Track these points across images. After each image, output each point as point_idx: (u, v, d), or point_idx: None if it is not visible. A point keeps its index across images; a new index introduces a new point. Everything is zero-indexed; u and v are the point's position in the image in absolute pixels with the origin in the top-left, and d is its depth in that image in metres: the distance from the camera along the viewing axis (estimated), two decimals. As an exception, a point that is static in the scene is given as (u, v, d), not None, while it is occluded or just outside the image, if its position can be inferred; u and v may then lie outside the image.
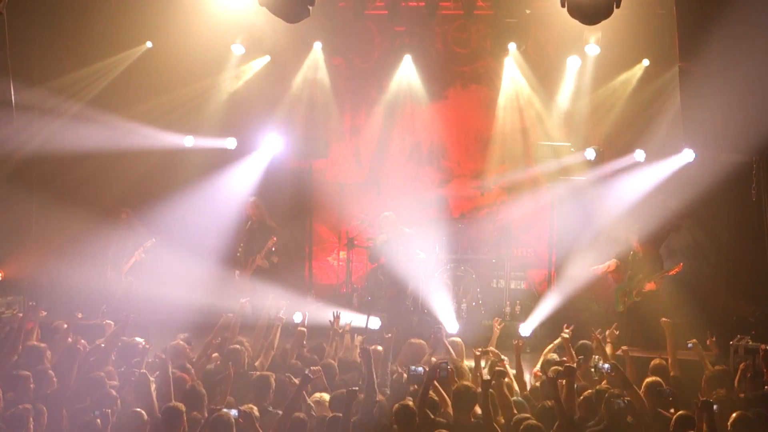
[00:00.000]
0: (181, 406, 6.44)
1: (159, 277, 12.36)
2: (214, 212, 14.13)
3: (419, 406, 6.69)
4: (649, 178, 12.78)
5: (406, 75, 14.11)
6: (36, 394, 7.07)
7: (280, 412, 6.65)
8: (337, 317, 9.04)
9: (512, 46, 13.00)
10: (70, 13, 12.93)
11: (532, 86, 13.61)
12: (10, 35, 8.63)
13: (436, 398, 7.07)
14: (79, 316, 9.40)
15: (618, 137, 13.33)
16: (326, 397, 7.19)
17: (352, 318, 9.59)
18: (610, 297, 12.08)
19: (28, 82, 11.77)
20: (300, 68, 14.06)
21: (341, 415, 6.43)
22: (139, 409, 6.48)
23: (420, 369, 7.16)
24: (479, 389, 6.87)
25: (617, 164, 12.90)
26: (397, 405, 6.63)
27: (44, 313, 9.25)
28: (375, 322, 9.83)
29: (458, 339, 9.23)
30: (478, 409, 6.79)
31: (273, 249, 11.57)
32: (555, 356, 8.71)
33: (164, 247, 12.47)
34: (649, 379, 7.44)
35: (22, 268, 13.43)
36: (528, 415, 6.67)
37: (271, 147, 13.80)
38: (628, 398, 6.56)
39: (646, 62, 13.01)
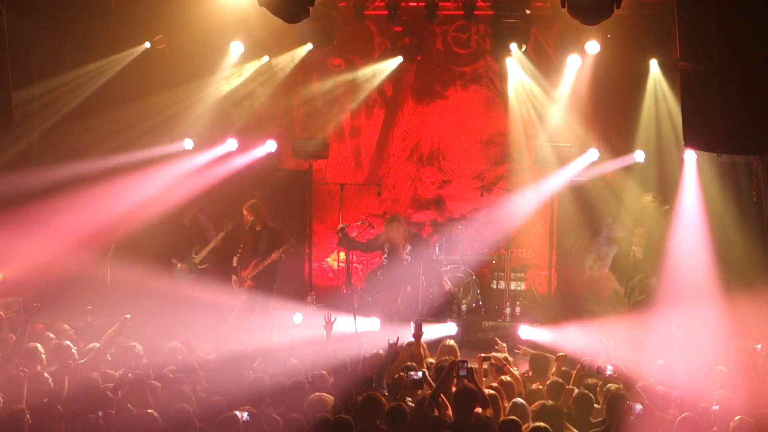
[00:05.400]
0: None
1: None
2: (213, 213, 14.10)
3: (429, 406, 6.60)
4: (647, 179, 12.79)
5: (403, 75, 14.12)
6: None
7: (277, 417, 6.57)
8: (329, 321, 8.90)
9: (514, 47, 12.98)
10: (70, 11, 12.90)
11: (533, 86, 13.58)
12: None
13: (439, 399, 6.99)
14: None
15: (618, 137, 13.29)
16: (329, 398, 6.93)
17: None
18: (610, 297, 12.09)
19: (27, 80, 11.74)
20: (299, 68, 14.03)
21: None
22: (151, 411, 6.40)
23: (420, 374, 7.06)
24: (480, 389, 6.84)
25: (617, 164, 12.89)
26: (390, 405, 6.50)
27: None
28: (375, 324, 9.82)
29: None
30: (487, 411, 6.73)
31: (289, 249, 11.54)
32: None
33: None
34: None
35: (22, 269, 13.41)
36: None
37: (271, 147, 13.77)
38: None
39: (651, 63, 12.95)
